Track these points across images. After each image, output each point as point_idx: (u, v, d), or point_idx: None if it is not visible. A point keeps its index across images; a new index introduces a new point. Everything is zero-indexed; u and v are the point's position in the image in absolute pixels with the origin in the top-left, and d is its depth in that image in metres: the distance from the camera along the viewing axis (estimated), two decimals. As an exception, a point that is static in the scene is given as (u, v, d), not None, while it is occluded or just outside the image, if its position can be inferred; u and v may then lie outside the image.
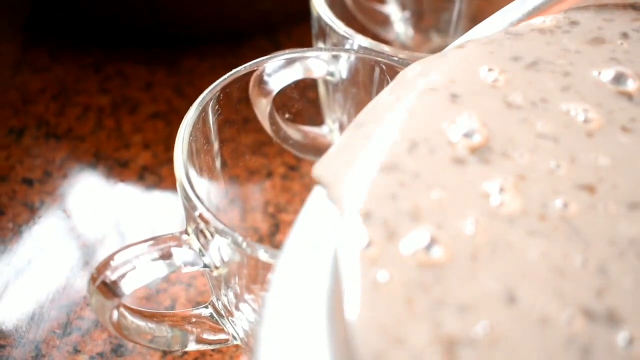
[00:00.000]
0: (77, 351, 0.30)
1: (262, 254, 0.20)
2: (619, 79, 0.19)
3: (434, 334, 0.14)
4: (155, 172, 0.38)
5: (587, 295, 0.15)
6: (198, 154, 0.25)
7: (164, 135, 0.40)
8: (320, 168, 0.18)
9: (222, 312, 0.25)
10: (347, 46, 0.28)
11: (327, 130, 0.31)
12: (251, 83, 0.27)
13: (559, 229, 0.16)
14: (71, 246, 0.34)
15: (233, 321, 0.25)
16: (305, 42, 0.45)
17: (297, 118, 0.31)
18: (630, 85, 0.19)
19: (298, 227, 0.17)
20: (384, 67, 0.27)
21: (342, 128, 0.31)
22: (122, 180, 0.37)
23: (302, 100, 0.32)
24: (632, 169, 0.17)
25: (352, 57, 0.27)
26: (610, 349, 0.14)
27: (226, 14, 0.40)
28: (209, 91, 0.25)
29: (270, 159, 0.37)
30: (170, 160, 0.38)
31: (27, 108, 0.41)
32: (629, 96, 0.19)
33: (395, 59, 0.27)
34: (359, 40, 0.28)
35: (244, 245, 0.21)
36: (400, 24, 0.38)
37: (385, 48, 0.28)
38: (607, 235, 0.16)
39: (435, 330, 0.15)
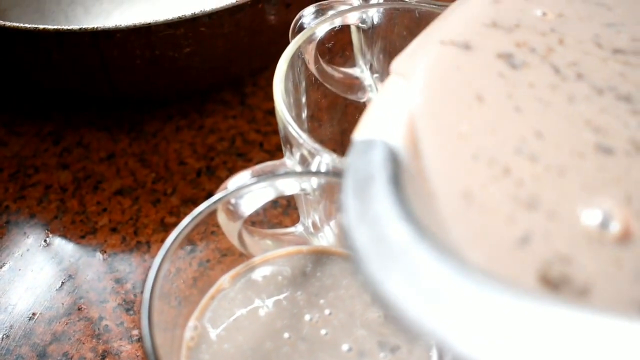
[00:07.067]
0: None
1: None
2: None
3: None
4: (123, 259, 0.35)
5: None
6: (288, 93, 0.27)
7: (130, 214, 0.37)
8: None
9: (311, 230, 0.26)
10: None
11: (359, 71, 0.34)
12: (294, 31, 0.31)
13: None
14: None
15: (320, 236, 0.26)
16: (271, 85, 0.46)
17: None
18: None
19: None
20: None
21: (372, 69, 0.34)
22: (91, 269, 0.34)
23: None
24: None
25: (382, 8, 0.31)
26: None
27: (190, 78, 0.39)
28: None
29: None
30: (141, 244, 0.36)
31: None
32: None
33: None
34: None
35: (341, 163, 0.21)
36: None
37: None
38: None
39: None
